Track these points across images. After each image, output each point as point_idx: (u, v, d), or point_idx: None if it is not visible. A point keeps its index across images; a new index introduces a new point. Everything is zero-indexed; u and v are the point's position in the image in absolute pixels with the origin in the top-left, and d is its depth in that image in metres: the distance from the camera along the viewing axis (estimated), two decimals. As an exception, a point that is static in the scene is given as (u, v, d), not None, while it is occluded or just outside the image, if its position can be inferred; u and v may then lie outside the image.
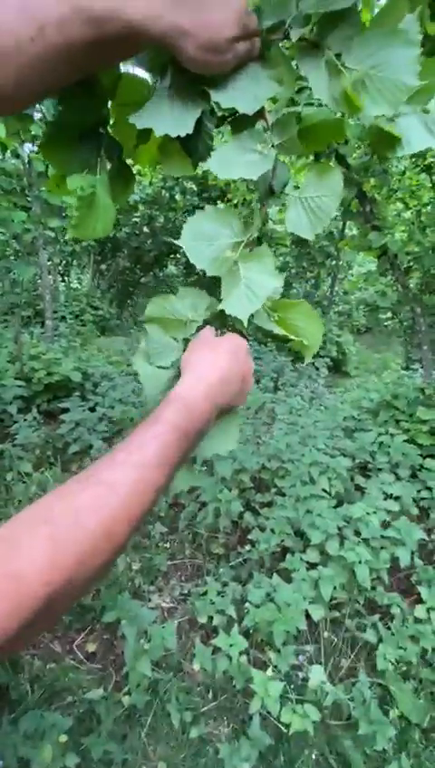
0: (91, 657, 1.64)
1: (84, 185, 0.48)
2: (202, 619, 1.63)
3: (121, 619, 1.44)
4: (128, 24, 0.33)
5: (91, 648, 1.66)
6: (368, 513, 1.84)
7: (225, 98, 0.43)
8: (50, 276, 4.76)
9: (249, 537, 1.89)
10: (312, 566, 1.74)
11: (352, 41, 0.43)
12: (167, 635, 1.44)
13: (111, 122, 0.52)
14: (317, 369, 4.20)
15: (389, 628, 1.67)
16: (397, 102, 0.42)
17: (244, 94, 0.43)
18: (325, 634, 1.70)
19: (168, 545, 2.10)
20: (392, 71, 0.42)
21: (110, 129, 0.51)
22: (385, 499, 2.00)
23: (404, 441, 2.36)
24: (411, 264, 3.91)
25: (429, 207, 4.66)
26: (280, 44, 0.45)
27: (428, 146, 0.50)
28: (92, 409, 2.79)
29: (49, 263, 4.58)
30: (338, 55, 0.44)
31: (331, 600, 1.66)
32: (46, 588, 0.26)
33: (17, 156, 3.00)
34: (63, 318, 5.13)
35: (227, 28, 0.37)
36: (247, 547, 1.91)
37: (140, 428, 0.37)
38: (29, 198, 3.05)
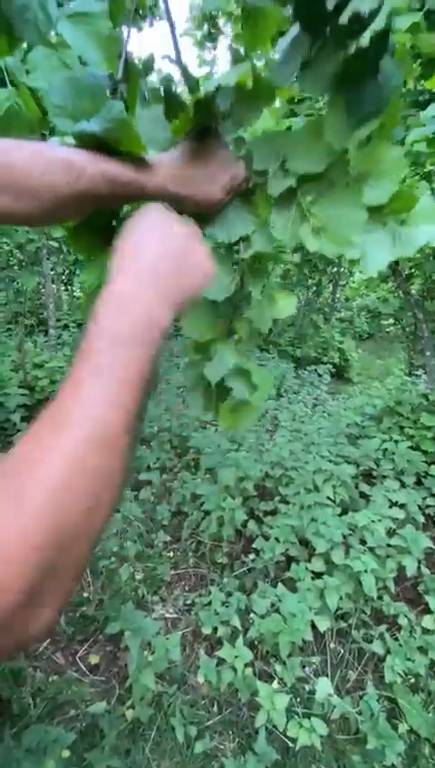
0: (94, 670, 1.62)
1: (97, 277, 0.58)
2: (206, 630, 1.61)
3: (125, 631, 1.42)
4: (141, 191, 0.48)
5: (93, 659, 1.64)
6: (373, 521, 1.82)
7: (210, 231, 0.56)
8: (53, 285, 4.80)
9: (253, 546, 1.87)
10: (317, 575, 1.72)
11: (322, 195, 0.53)
12: (171, 646, 1.42)
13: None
14: (320, 375, 4.19)
15: (396, 640, 1.64)
16: (342, 250, 0.52)
17: (225, 228, 0.56)
18: (332, 645, 1.67)
19: (171, 554, 2.08)
20: (343, 227, 0.52)
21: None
22: (390, 507, 1.98)
23: (409, 448, 2.34)
24: (413, 270, 3.92)
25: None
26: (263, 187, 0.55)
27: (388, 261, 0.54)
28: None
29: (52, 272, 4.62)
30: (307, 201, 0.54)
31: (337, 611, 1.64)
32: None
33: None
34: (66, 326, 5.16)
35: (215, 195, 0.52)
36: (251, 556, 1.89)
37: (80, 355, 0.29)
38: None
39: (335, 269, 5.61)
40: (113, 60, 0.64)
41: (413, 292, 3.46)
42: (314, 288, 6.03)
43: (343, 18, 0.37)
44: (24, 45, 0.74)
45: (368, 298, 6.18)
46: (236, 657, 1.43)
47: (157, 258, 0.35)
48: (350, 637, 1.68)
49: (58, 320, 4.85)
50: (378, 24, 0.37)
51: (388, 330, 6.74)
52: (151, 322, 0.31)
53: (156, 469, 2.46)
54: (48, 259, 3.77)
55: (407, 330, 4.85)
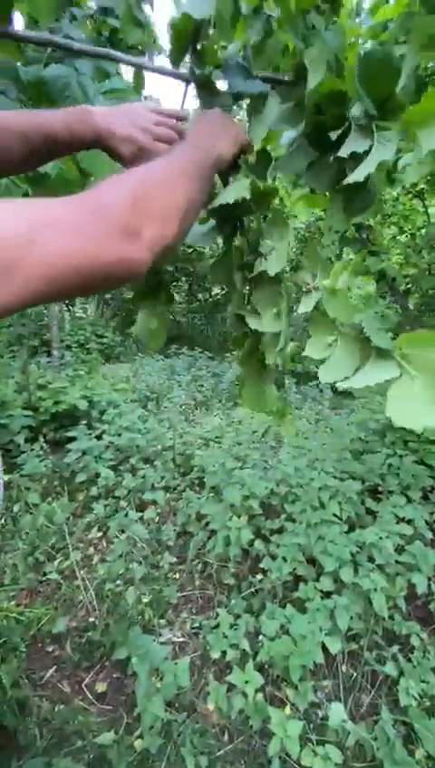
0: (100, 698, 1.58)
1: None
2: (215, 655, 1.58)
3: (132, 656, 1.39)
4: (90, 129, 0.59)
5: (100, 687, 1.60)
6: (381, 538, 1.81)
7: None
8: (56, 306, 4.87)
9: (260, 566, 1.85)
10: (326, 595, 1.69)
11: None
12: (180, 672, 1.39)
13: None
14: (321, 391, 4.21)
15: (410, 661, 1.61)
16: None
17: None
18: (344, 668, 1.63)
19: (177, 576, 2.06)
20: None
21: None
22: (398, 523, 1.96)
23: (414, 462, 2.33)
24: (410, 285, 3.98)
25: (423, 231, 4.80)
26: None
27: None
28: (99, 437, 2.80)
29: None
30: None
31: (348, 631, 1.61)
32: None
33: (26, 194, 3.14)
34: (69, 347, 5.21)
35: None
36: (259, 576, 1.87)
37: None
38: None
39: (333, 285, 5.68)
40: None
41: (411, 307, 3.51)
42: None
43: (343, 152, 0.48)
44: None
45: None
46: (246, 682, 1.40)
47: (211, 129, 0.55)
48: (362, 658, 1.64)
49: (61, 340, 4.91)
50: (368, 167, 0.46)
51: (387, 343, 6.77)
52: (209, 152, 0.51)
53: (160, 489, 2.46)
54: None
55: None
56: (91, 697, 1.57)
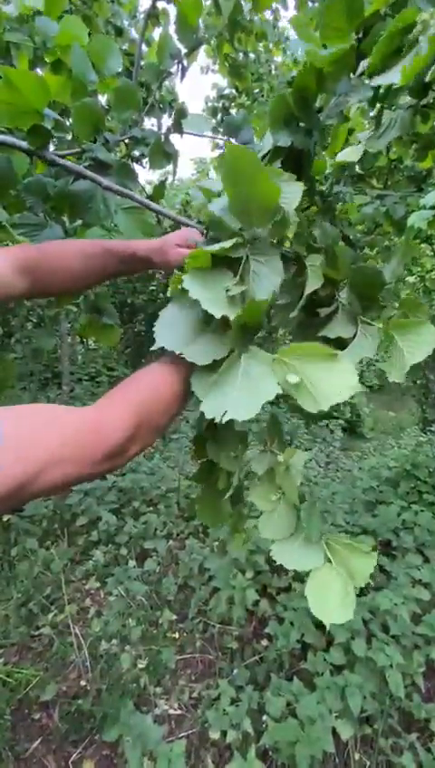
0: (87, 779, 1.44)
1: None
2: (215, 735, 1.44)
3: (124, 737, 1.28)
4: (133, 255, 0.71)
5: (88, 766, 1.46)
6: (396, 605, 1.68)
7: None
8: (69, 338, 4.95)
9: (266, 630, 1.73)
10: (337, 669, 1.56)
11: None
12: (174, 757, 1.27)
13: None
14: (332, 431, 4.12)
15: (429, 751, 1.44)
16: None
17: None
18: (356, 756, 1.47)
19: (176, 635, 1.93)
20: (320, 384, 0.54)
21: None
22: (413, 586, 1.83)
23: (432, 517, 2.22)
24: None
25: (432, 273, 4.83)
26: None
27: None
28: (102, 477, 2.73)
29: (69, 325, 4.81)
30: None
31: (361, 713, 1.46)
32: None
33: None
34: (80, 380, 5.24)
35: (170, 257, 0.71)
36: (264, 642, 1.74)
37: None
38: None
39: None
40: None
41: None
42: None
43: (331, 334, 0.63)
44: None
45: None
46: (247, 772, 1.26)
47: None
48: (376, 745, 1.48)
49: (72, 373, 4.95)
50: (351, 360, 0.55)
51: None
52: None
53: (162, 537, 2.36)
54: (66, 316, 3.92)
55: (417, 383, 4.82)
56: (77, 778, 1.44)
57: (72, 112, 0.78)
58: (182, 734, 1.51)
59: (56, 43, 0.92)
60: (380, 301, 0.63)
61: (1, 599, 2.03)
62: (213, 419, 0.47)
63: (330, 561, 0.56)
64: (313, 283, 0.62)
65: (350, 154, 1.14)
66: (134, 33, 2.08)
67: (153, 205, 0.78)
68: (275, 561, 0.62)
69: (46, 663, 1.78)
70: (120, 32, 1.96)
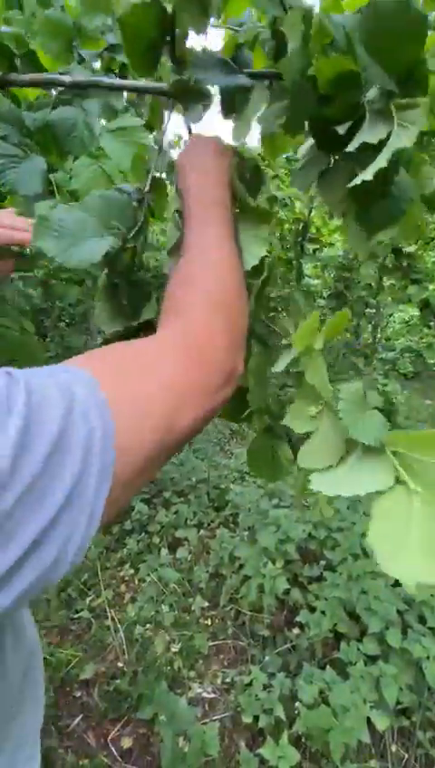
0: (126, 755, 1.50)
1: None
2: (247, 719, 1.46)
3: (159, 715, 1.32)
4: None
5: (126, 743, 1.52)
6: (433, 595, 1.63)
7: None
8: (99, 336, 5.08)
9: (297, 618, 1.72)
10: (371, 659, 1.53)
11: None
12: (208, 739, 1.29)
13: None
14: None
15: (471, 746, 1.40)
16: None
17: None
18: (393, 748, 1.45)
19: (208, 622, 1.96)
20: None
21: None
22: (452, 577, 1.76)
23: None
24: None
25: None
26: None
27: None
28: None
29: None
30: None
31: (397, 704, 1.43)
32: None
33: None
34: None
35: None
36: (295, 630, 1.73)
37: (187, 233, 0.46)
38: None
39: (374, 310, 5.52)
40: (141, 174, 0.70)
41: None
42: (353, 329, 5.94)
43: (352, 146, 0.38)
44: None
45: (411, 339, 5.98)
46: (280, 757, 1.27)
47: (213, 180, 0.48)
48: (414, 738, 1.45)
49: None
50: (382, 159, 0.36)
51: (434, 368, 6.42)
52: (227, 216, 0.47)
53: (193, 526, 2.40)
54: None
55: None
56: (115, 753, 1.50)
57: (38, 29, 0.70)
58: (215, 717, 1.54)
59: None
60: (425, 63, 0.40)
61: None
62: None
63: (403, 482, 0.37)
64: (294, 42, 0.42)
65: None
66: None
67: (126, 81, 0.66)
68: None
69: (85, 645, 1.86)
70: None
